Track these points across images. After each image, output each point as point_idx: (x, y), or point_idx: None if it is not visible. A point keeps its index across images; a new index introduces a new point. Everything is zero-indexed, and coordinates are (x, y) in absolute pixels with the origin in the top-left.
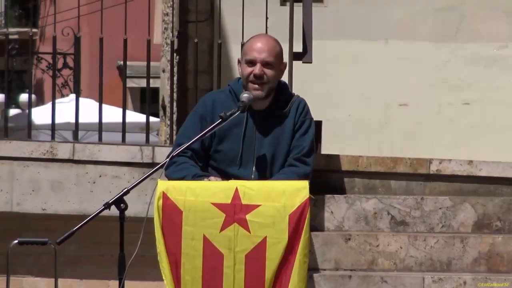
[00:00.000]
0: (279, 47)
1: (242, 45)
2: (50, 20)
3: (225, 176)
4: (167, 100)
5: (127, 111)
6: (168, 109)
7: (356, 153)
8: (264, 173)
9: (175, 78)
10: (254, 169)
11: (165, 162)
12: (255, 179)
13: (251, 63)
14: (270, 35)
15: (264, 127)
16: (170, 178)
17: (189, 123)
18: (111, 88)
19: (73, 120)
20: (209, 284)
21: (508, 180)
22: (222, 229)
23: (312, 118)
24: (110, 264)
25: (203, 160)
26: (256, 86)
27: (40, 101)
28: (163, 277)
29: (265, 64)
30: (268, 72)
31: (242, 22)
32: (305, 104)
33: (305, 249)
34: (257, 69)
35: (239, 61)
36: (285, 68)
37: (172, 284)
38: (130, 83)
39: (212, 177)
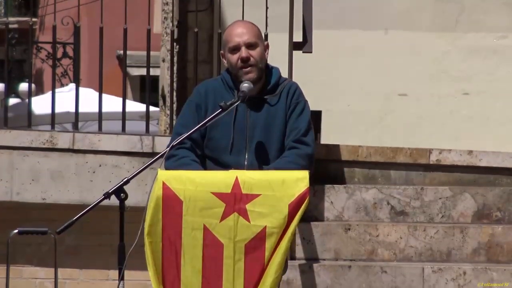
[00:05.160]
0: (257, 28)
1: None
2: (50, 9)
3: (220, 164)
4: (166, 90)
5: (127, 101)
6: (168, 99)
7: (356, 143)
8: (258, 160)
9: (175, 68)
10: (247, 155)
11: (165, 152)
12: (248, 165)
13: (235, 49)
14: (245, 20)
15: (255, 112)
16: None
17: (186, 112)
18: (111, 78)
19: (72, 110)
20: (209, 273)
21: (508, 170)
22: (222, 218)
23: (306, 101)
24: (110, 254)
25: (202, 149)
26: (247, 69)
27: (40, 91)
28: (148, 267)
29: (249, 45)
30: (253, 53)
31: (242, 12)
32: (297, 87)
33: (292, 235)
34: (243, 52)
35: (222, 55)
36: (268, 47)
37: (156, 279)
38: (130, 73)
39: None
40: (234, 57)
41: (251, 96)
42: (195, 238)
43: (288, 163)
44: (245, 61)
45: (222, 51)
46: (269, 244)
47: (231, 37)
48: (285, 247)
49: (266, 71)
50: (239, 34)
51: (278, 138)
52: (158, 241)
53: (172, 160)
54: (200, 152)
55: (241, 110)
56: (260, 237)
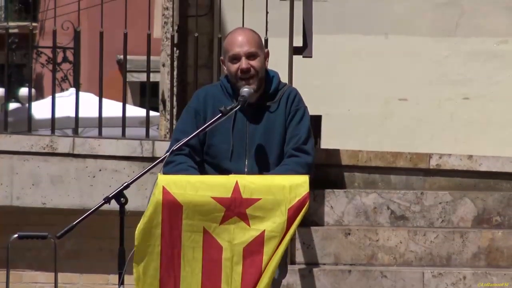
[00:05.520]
0: (258, 36)
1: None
2: (50, 14)
3: (220, 170)
4: (167, 94)
5: (127, 106)
6: (168, 103)
7: (356, 148)
8: (258, 166)
9: (175, 73)
10: (247, 162)
11: (165, 157)
12: (249, 172)
13: (236, 59)
14: (246, 27)
15: (255, 119)
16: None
17: (184, 118)
18: (111, 82)
19: (72, 114)
20: (209, 275)
21: (508, 175)
22: (221, 222)
23: (305, 107)
24: (110, 258)
25: (201, 155)
26: (247, 82)
27: (40, 95)
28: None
29: (249, 56)
30: (254, 63)
31: (242, 17)
32: (297, 93)
33: (289, 240)
34: (243, 63)
35: (222, 61)
36: (268, 55)
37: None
38: (130, 77)
39: None
40: (234, 67)
41: (251, 102)
42: (194, 240)
43: (287, 171)
44: (245, 72)
45: (222, 57)
46: (267, 248)
47: (231, 46)
48: (282, 251)
49: (266, 77)
50: (239, 44)
51: (277, 145)
52: (156, 244)
53: (170, 166)
54: (198, 158)
55: (240, 116)
56: (259, 241)
